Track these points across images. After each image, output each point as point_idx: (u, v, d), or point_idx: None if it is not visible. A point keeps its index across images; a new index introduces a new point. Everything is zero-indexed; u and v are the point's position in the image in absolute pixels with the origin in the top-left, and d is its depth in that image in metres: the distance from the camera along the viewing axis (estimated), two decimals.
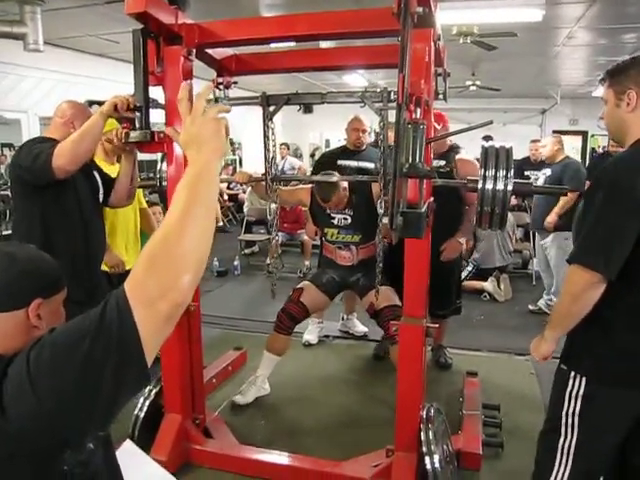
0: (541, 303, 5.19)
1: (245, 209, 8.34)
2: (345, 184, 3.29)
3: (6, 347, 1.04)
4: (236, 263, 6.81)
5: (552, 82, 10.23)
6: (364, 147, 4.06)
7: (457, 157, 3.65)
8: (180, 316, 0.97)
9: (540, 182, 4.80)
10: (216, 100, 2.95)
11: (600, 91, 1.86)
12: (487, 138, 9.15)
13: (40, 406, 0.90)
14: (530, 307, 5.27)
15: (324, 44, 4.42)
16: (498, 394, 3.40)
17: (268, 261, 3.45)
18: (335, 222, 3.47)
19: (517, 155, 6.83)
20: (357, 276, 3.49)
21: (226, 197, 10.13)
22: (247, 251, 7.65)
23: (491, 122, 2.21)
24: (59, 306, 1.20)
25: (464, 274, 5.88)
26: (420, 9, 1.98)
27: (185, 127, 1.08)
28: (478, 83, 9.30)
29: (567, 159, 4.92)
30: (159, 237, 0.95)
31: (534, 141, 7.06)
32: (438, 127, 3.44)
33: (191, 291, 0.95)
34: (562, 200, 4.62)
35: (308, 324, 4.38)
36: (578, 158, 12.60)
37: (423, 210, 1.98)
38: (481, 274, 5.79)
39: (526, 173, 6.70)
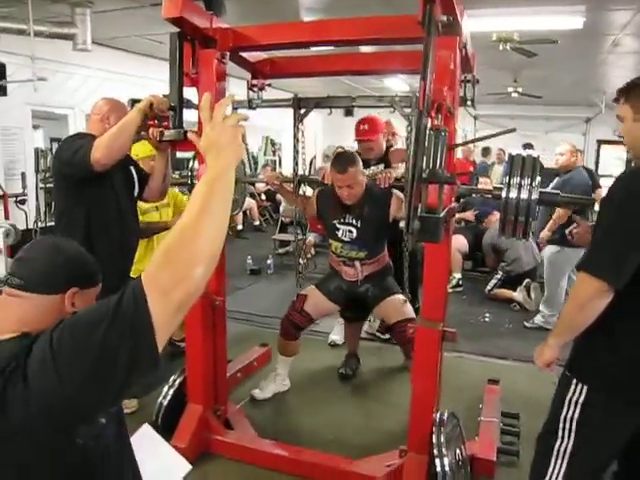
0: (537, 319, 5.02)
1: (281, 209, 8.44)
2: (363, 177, 3.07)
3: (35, 327, 1.13)
4: (269, 262, 6.91)
5: (597, 90, 10.00)
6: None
7: (391, 150, 3.76)
8: (191, 306, 1.04)
9: None
10: (249, 102, 3.05)
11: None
12: (528, 146, 9.06)
13: (60, 382, 0.98)
14: (526, 324, 5.03)
15: (364, 48, 4.46)
16: (519, 403, 3.38)
17: (300, 261, 3.46)
18: (339, 235, 3.21)
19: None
20: (366, 287, 3.31)
21: (264, 197, 10.26)
22: (281, 250, 7.74)
23: (514, 130, 2.22)
24: (92, 299, 1.30)
25: (493, 282, 5.85)
26: (445, 17, 2.02)
27: (205, 133, 1.16)
28: (520, 90, 9.19)
29: (575, 171, 4.70)
30: (176, 232, 1.03)
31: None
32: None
33: (203, 283, 1.02)
34: (555, 215, 4.55)
35: (335, 324, 4.43)
36: (622, 168, 12.34)
37: (441, 215, 2.00)
38: (510, 282, 5.73)
39: None
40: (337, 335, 4.43)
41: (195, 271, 1.00)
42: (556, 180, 4.85)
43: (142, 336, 0.98)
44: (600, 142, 12.34)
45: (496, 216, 6.21)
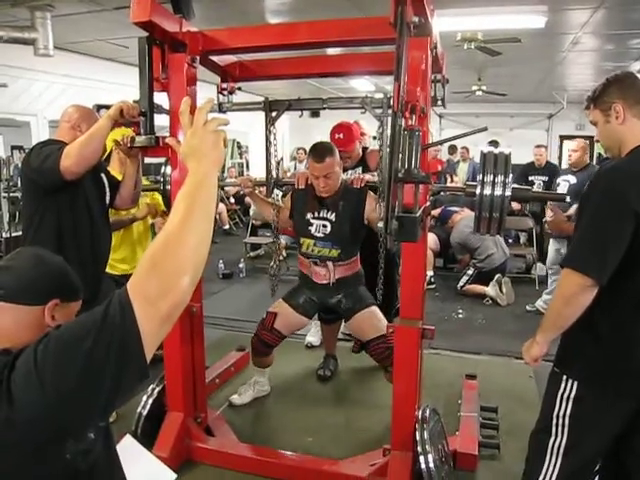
0: (538, 304, 5.18)
1: (251, 212, 8.40)
2: (340, 169, 3.08)
3: (16, 341, 1.10)
4: (241, 265, 6.89)
5: (558, 87, 10.23)
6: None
7: (367, 151, 3.81)
8: (178, 316, 1.02)
9: (563, 189, 4.74)
10: (220, 106, 3.03)
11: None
12: (493, 143, 9.18)
13: (45, 397, 0.95)
14: (527, 307, 5.31)
15: (331, 51, 4.47)
16: (497, 396, 3.44)
17: (272, 264, 3.45)
18: (313, 230, 3.11)
19: (523, 160, 6.87)
20: (338, 297, 3.20)
21: (233, 200, 10.20)
22: (252, 254, 7.72)
23: (486, 129, 2.25)
24: (73, 314, 1.29)
25: (465, 279, 5.94)
26: (416, 19, 2.04)
27: (186, 139, 1.14)
28: (484, 88, 9.33)
29: (591, 167, 4.75)
30: (161, 241, 1.01)
31: (539, 146, 7.07)
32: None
33: (189, 292, 1.01)
34: None
35: (311, 326, 4.43)
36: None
37: (418, 215, 2.02)
38: (482, 278, 5.82)
39: (530, 178, 6.74)
40: (313, 337, 4.43)
41: (181, 280, 0.99)
42: (573, 176, 4.79)
43: (130, 346, 0.96)
44: (562, 137, 12.60)
45: (460, 215, 6.30)
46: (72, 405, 0.97)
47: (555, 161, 11.34)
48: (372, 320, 3.07)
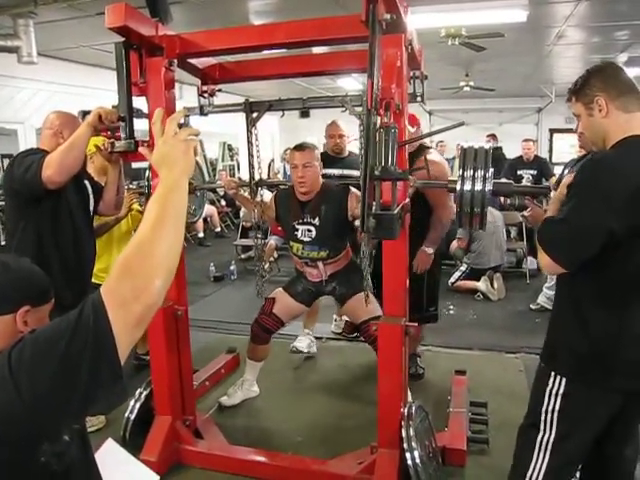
0: (541, 300, 5.11)
1: (241, 214, 8.40)
2: (319, 166, 3.15)
3: None
4: (232, 268, 6.87)
5: (546, 81, 10.24)
6: (345, 153, 4.12)
7: (428, 158, 3.59)
8: (151, 318, 1.03)
9: None
10: (201, 108, 3.03)
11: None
12: (492, 137, 9.24)
13: (21, 399, 0.95)
14: (531, 306, 5.20)
15: (315, 50, 4.47)
16: (487, 391, 3.44)
17: (264, 266, 3.45)
18: (299, 235, 3.20)
19: (514, 154, 6.82)
20: (332, 285, 3.32)
21: (223, 203, 10.20)
22: (243, 256, 7.71)
23: (463, 124, 2.27)
24: (45, 316, 1.29)
25: (457, 275, 5.94)
26: (388, 16, 2.04)
27: (157, 147, 1.17)
28: (472, 84, 9.33)
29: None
30: (133, 245, 1.03)
31: (526, 140, 7.09)
32: (412, 129, 3.53)
33: (162, 295, 1.03)
34: None
35: (299, 334, 4.41)
36: (575, 156, 12.68)
37: (395, 212, 2.01)
38: (474, 274, 5.82)
39: (519, 172, 6.77)
40: (301, 343, 4.38)
41: (154, 283, 1.00)
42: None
43: (103, 348, 0.97)
44: (552, 131, 12.63)
45: None
46: (47, 406, 0.97)
47: (545, 155, 11.39)
48: (363, 303, 3.08)
